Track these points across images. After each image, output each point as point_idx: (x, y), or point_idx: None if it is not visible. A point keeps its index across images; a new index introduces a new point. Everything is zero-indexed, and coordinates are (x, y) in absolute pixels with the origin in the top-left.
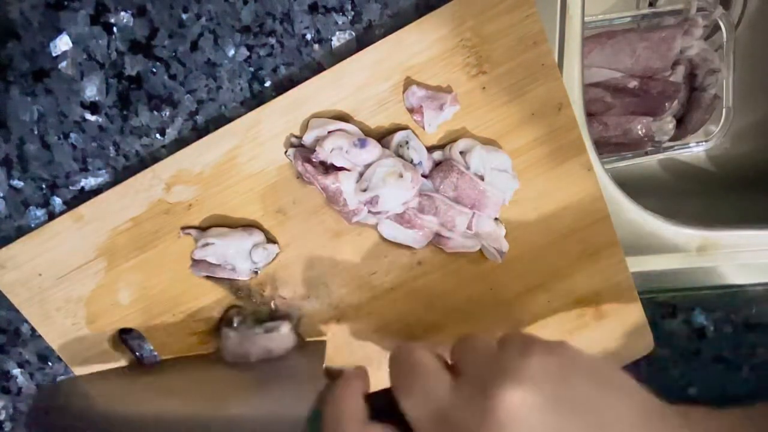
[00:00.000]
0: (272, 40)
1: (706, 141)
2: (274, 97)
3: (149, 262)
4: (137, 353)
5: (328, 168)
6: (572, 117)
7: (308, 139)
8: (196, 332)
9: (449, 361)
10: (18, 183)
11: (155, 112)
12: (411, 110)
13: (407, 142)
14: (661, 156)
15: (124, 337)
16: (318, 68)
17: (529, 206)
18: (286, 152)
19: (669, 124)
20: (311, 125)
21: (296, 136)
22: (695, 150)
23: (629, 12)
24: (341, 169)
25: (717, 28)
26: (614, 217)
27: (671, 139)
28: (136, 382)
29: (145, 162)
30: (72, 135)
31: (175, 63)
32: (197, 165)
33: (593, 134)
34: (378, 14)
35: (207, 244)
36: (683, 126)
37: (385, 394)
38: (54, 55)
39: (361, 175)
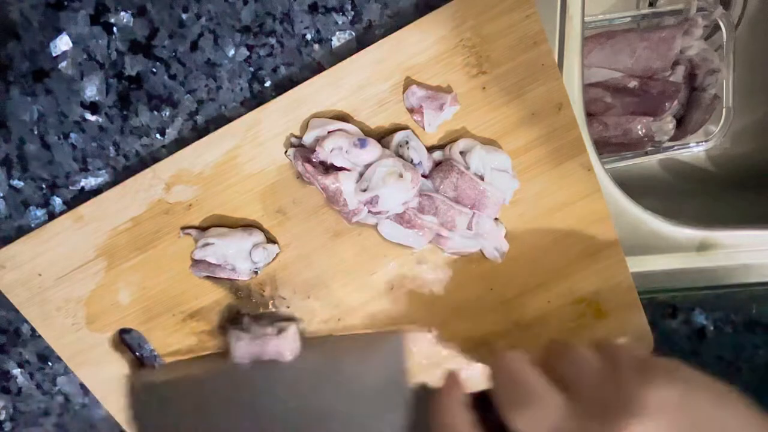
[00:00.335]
0: (272, 40)
1: (706, 141)
2: (274, 97)
3: (149, 262)
4: (137, 353)
5: (328, 168)
6: (572, 117)
7: (308, 139)
8: (196, 332)
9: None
10: (18, 183)
11: (155, 112)
12: (411, 110)
13: (407, 142)
14: (661, 156)
15: (124, 337)
16: (318, 68)
17: (529, 206)
18: (286, 152)
19: (669, 124)
20: (311, 125)
21: (296, 136)
22: (695, 150)
23: (629, 12)
24: (341, 169)
25: (717, 28)
26: (614, 217)
27: (671, 139)
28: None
29: (145, 162)
30: (72, 135)
31: (175, 63)
32: (197, 165)
33: (593, 134)
34: (378, 14)
35: (207, 244)
36: (683, 126)
37: (478, 397)
38: (54, 55)
39: (361, 175)
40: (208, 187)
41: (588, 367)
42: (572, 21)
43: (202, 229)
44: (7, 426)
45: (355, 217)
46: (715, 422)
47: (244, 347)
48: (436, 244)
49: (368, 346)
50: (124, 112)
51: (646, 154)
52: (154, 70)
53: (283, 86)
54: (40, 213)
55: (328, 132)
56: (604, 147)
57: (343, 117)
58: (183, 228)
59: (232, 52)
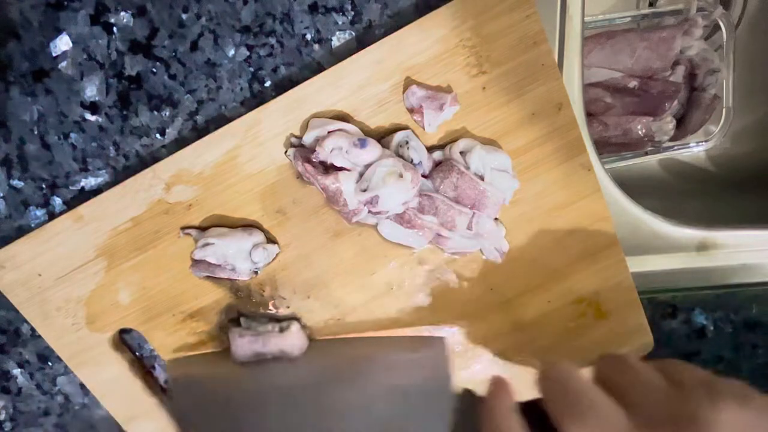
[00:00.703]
0: (272, 40)
1: (706, 141)
2: (274, 97)
3: (149, 262)
4: (137, 353)
5: (328, 168)
6: (572, 117)
7: (308, 139)
8: (196, 332)
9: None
10: (18, 183)
11: (155, 112)
12: (411, 110)
13: (407, 142)
14: (661, 156)
15: (124, 337)
16: (318, 68)
17: (529, 206)
18: (286, 152)
19: (669, 124)
20: (311, 125)
21: (296, 136)
22: (695, 150)
23: (629, 12)
24: (341, 169)
25: (717, 28)
26: (614, 217)
27: (671, 139)
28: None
29: (145, 162)
30: (72, 135)
31: (175, 63)
32: (197, 165)
33: (593, 134)
34: (378, 14)
35: (207, 244)
36: (683, 126)
37: (530, 406)
38: (54, 55)
39: (361, 175)
40: (208, 187)
41: (651, 383)
42: (572, 21)
43: (202, 229)
44: (7, 426)
45: (355, 217)
46: None
47: (246, 345)
48: (436, 244)
49: (404, 347)
50: (124, 112)
51: (646, 154)
52: (154, 70)
53: (283, 86)
54: (40, 213)
55: (328, 132)
56: (604, 147)
57: (343, 117)
58: (183, 228)
59: (232, 52)
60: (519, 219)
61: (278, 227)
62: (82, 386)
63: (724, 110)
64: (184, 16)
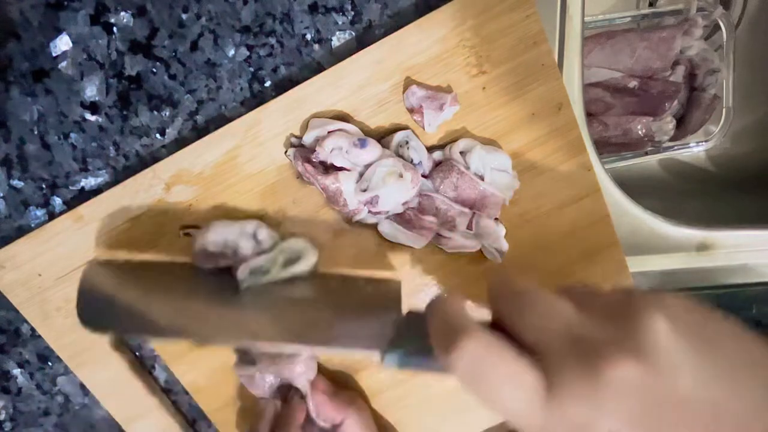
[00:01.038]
0: (272, 40)
1: (706, 141)
2: (274, 97)
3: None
4: (137, 353)
5: (328, 168)
6: (572, 117)
7: (308, 139)
8: None
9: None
10: (18, 183)
11: (155, 112)
12: (411, 110)
13: (407, 142)
14: (661, 156)
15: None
16: (318, 68)
17: (529, 206)
18: (286, 152)
19: (669, 124)
20: (311, 125)
21: (296, 136)
22: (695, 150)
23: (629, 12)
24: (341, 169)
25: (717, 28)
26: (614, 217)
27: (671, 139)
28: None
29: (145, 162)
30: (72, 135)
31: (175, 63)
32: (197, 165)
33: (593, 134)
34: (378, 14)
35: (207, 230)
36: (683, 126)
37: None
38: (54, 55)
39: (361, 175)
40: (208, 187)
41: (607, 296)
42: (572, 21)
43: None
44: (7, 426)
45: (355, 217)
46: (736, 346)
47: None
48: (436, 244)
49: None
50: (124, 112)
51: (646, 154)
52: (154, 70)
53: (283, 86)
54: (40, 213)
55: (328, 132)
56: (604, 147)
57: (343, 117)
58: (183, 228)
59: (232, 52)
60: (519, 219)
61: (278, 227)
62: (82, 386)
63: (724, 110)
64: (184, 16)
